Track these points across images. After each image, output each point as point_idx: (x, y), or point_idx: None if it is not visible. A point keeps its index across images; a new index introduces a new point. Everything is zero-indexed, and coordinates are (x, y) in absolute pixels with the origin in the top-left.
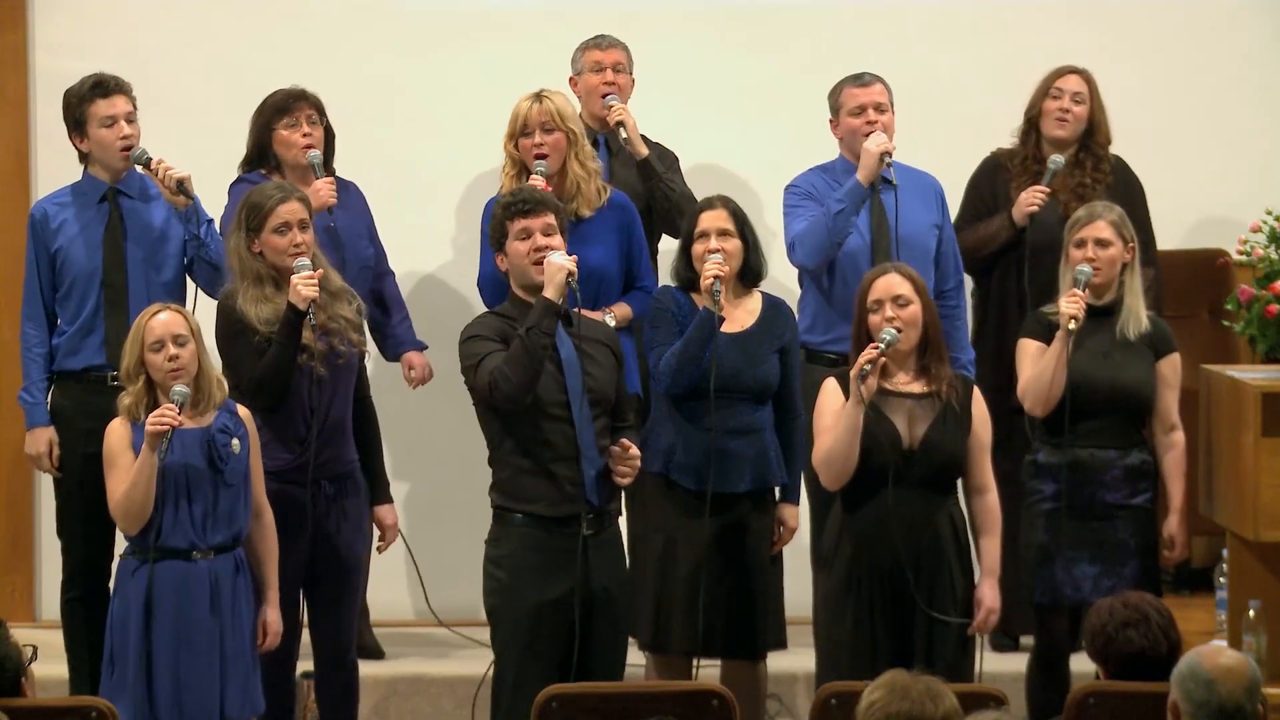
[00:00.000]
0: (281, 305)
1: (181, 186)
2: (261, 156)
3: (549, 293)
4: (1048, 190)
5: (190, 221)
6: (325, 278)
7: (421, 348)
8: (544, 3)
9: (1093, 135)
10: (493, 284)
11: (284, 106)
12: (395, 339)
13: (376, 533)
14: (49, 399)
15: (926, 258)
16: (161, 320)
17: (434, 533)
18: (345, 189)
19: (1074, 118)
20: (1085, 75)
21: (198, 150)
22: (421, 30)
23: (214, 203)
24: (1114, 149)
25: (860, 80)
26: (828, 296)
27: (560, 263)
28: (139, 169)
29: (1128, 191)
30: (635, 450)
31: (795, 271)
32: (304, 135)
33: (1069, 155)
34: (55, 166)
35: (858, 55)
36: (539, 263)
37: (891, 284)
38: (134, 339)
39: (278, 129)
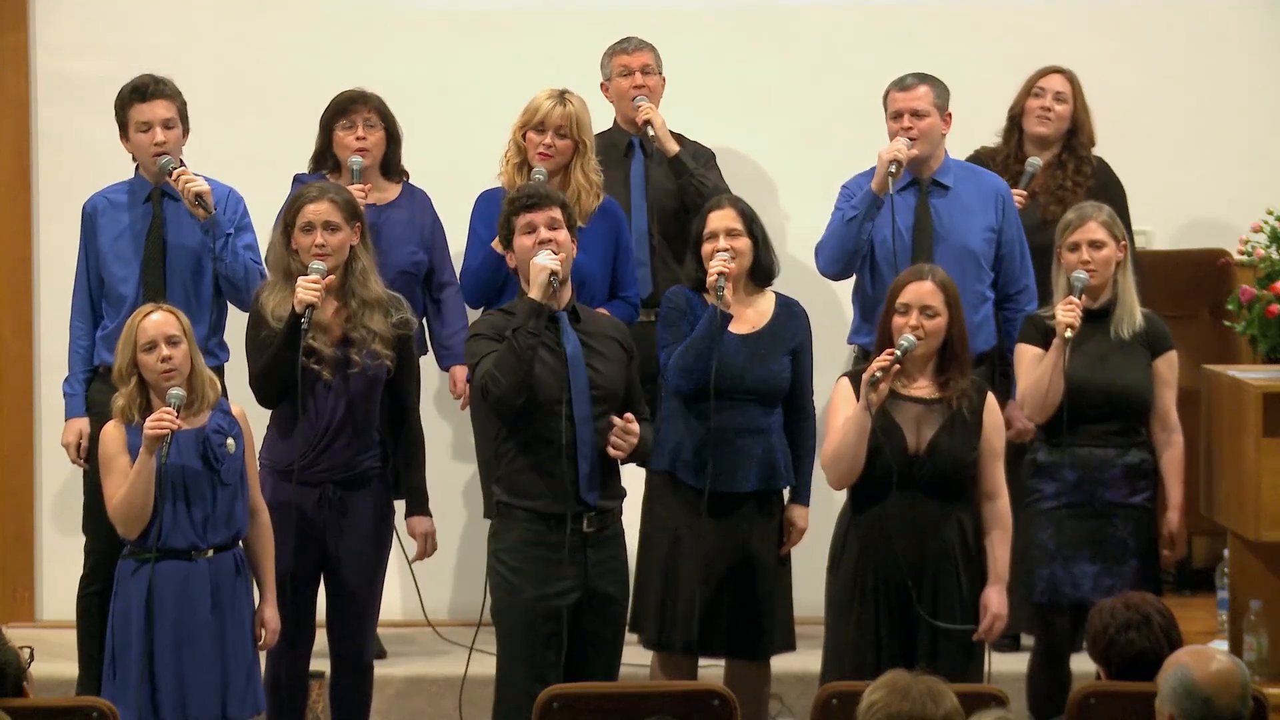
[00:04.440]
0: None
1: (200, 200)
2: (324, 156)
3: (533, 293)
4: (1026, 193)
5: (208, 234)
6: (361, 285)
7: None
8: (546, 3)
9: (1076, 135)
10: (473, 276)
11: (342, 108)
12: (446, 350)
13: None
14: (87, 392)
15: (971, 260)
16: (154, 321)
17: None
18: (411, 193)
19: (1056, 116)
20: (1069, 75)
21: (199, 151)
22: (422, 31)
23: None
24: (1115, 149)
25: (902, 84)
26: (869, 298)
27: (543, 263)
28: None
29: (1108, 194)
30: (635, 427)
31: (808, 270)
32: (358, 139)
33: (1051, 156)
34: (56, 166)
35: (865, 55)
36: None
37: (923, 292)
38: (126, 339)
39: (336, 130)
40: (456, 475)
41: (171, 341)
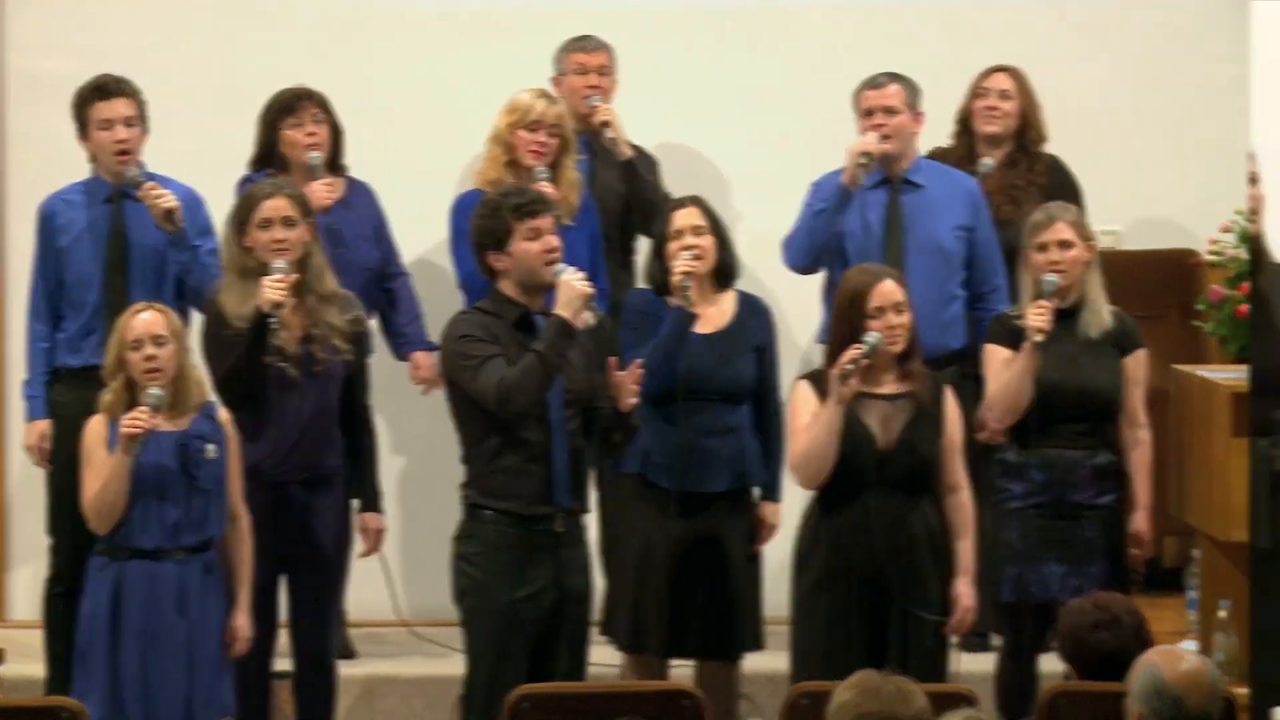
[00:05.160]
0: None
1: (169, 216)
2: (269, 156)
3: (565, 314)
4: None
5: (175, 247)
6: (317, 280)
7: (431, 348)
8: (546, 3)
9: (1026, 132)
10: (481, 283)
11: (288, 105)
12: (404, 337)
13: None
14: (49, 394)
15: (942, 259)
16: (143, 320)
17: (404, 532)
18: (356, 189)
19: (1003, 114)
20: (1014, 73)
21: (173, 151)
22: (422, 31)
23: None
24: (1085, 148)
25: (873, 83)
26: None
27: (579, 287)
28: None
29: (1062, 192)
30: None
31: (773, 268)
32: (308, 135)
33: (1004, 155)
34: (25, 165)
35: (865, 55)
36: (552, 263)
37: (890, 291)
38: (115, 337)
39: (283, 129)
40: (431, 472)
41: (158, 341)
